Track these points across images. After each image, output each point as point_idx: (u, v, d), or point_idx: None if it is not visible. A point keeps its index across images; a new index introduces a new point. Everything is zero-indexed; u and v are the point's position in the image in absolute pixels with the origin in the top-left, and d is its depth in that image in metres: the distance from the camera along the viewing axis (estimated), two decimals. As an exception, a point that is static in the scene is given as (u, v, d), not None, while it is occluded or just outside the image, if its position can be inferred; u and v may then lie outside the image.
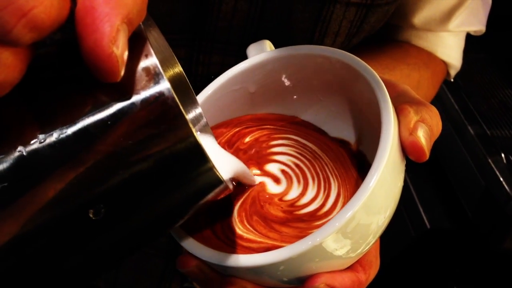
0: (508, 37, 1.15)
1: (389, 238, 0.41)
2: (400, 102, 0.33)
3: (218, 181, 0.26)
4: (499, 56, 1.16)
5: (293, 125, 0.41)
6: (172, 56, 0.33)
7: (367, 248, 0.31)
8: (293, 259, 0.28)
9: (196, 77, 0.48)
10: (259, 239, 0.32)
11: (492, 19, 0.64)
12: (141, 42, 0.23)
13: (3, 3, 0.19)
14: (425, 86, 0.56)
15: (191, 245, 0.32)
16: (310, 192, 0.35)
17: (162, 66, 0.23)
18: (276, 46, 0.39)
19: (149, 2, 0.23)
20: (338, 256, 0.29)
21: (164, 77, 0.23)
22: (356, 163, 0.37)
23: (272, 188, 0.36)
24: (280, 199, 0.35)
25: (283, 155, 0.38)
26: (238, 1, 0.44)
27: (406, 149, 0.31)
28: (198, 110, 0.35)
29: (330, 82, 0.38)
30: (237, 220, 0.34)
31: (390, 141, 0.29)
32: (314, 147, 0.38)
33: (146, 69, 0.23)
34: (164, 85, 0.23)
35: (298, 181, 0.36)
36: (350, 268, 0.32)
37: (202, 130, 0.35)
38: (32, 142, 0.22)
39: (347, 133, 0.39)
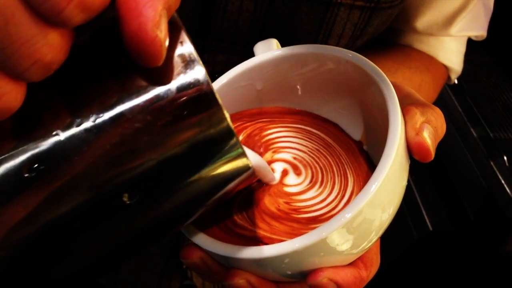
0: (513, 40, 1.15)
1: (392, 239, 0.41)
2: (406, 103, 0.33)
3: (247, 167, 0.26)
4: (503, 59, 1.16)
5: (305, 117, 0.41)
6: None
7: (369, 245, 0.31)
8: (299, 252, 0.29)
9: None
10: (263, 233, 0.32)
11: (497, 22, 0.65)
12: (177, 29, 0.23)
13: None
14: (426, 90, 0.56)
15: (195, 235, 0.32)
16: (326, 189, 0.35)
17: None
18: (281, 46, 0.40)
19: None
20: (342, 251, 0.30)
21: (200, 64, 0.23)
22: (366, 158, 0.37)
23: (288, 180, 0.36)
24: (289, 196, 0.35)
25: (293, 149, 0.38)
26: (243, 1, 0.44)
27: (412, 149, 0.31)
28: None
29: (337, 81, 0.38)
30: (237, 210, 0.34)
31: (397, 139, 0.30)
32: (328, 139, 0.39)
33: (182, 56, 0.23)
34: (199, 71, 0.23)
35: (312, 177, 0.36)
36: (352, 264, 0.32)
37: None
38: (68, 126, 0.22)
39: (353, 133, 0.40)
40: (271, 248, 0.29)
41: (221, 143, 0.24)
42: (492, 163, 0.89)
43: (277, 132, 0.40)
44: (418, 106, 0.33)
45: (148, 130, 0.23)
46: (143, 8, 0.20)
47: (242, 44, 0.47)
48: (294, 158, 0.38)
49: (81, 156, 0.22)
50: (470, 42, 0.63)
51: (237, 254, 0.30)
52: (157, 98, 0.23)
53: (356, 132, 0.40)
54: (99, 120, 0.22)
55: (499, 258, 0.95)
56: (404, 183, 0.32)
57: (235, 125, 0.40)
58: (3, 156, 0.22)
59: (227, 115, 0.24)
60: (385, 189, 0.29)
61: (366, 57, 0.35)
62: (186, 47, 0.23)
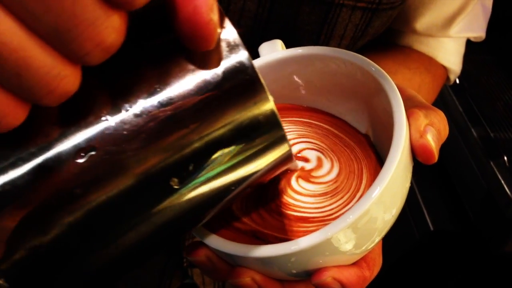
0: (514, 40, 1.15)
1: (394, 239, 0.41)
2: (409, 106, 0.33)
3: (288, 151, 0.26)
4: (504, 58, 1.15)
5: (313, 113, 0.41)
6: None
7: (372, 245, 0.32)
8: (305, 252, 0.29)
9: None
10: (271, 232, 0.33)
11: (498, 22, 0.65)
12: (220, 16, 0.24)
13: None
14: (426, 90, 0.57)
15: (202, 233, 0.32)
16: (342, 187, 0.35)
17: None
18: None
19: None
20: (346, 251, 0.30)
21: (244, 48, 0.24)
22: (375, 152, 0.37)
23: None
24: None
25: (308, 143, 0.38)
26: (246, 1, 0.44)
27: (416, 151, 0.32)
28: None
29: (342, 83, 0.38)
30: (243, 208, 0.34)
31: (403, 140, 0.30)
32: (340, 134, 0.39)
33: (227, 41, 0.24)
34: (244, 55, 0.24)
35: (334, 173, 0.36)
36: (356, 264, 0.33)
37: None
38: (117, 110, 0.22)
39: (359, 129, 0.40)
40: (277, 247, 0.29)
41: (265, 125, 0.25)
42: (492, 163, 0.89)
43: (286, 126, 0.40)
44: (422, 108, 0.33)
45: (195, 114, 0.23)
46: None
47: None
48: (311, 150, 0.38)
49: (130, 141, 0.22)
50: (471, 42, 0.64)
51: (243, 253, 0.30)
52: (204, 82, 0.23)
53: (361, 129, 0.40)
54: (147, 105, 0.22)
55: (499, 258, 0.95)
56: (407, 184, 0.32)
57: None
58: (55, 142, 0.22)
59: (271, 98, 0.24)
60: (390, 191, 0.29)
61: (367, 58, 0.35)
62: (230, 32, 0.24)
